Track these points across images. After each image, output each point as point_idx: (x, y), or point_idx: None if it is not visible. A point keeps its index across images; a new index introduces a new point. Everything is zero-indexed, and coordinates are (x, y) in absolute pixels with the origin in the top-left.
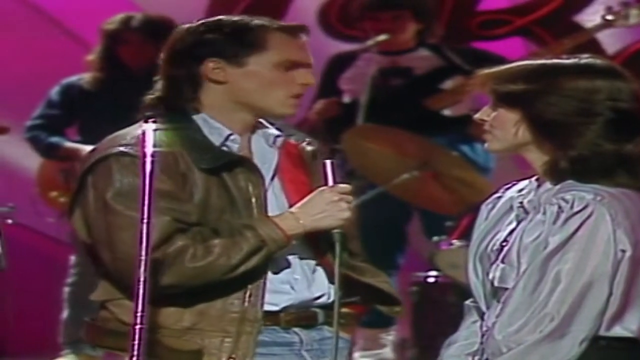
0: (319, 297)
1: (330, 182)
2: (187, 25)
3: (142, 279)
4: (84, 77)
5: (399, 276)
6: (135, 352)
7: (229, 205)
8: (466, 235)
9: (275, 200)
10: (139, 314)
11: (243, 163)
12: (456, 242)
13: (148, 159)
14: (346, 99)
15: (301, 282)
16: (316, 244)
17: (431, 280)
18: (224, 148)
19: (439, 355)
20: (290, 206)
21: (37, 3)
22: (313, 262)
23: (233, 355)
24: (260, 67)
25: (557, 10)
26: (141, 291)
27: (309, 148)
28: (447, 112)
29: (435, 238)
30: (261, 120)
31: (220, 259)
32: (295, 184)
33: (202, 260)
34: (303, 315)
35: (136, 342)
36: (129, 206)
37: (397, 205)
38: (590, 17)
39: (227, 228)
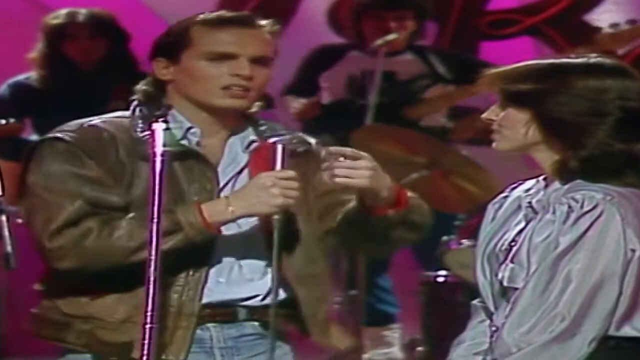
0: (248, 299)
1: (278, 167)
2: None
3: (152, 278)
4: (32, 76)
5: (408, 276)
6: (145, 352)
7: (176, 198)
8: (475, 234)
9: None
10: (149, 313)
11: (195, 156)
12: (465, 242)
13: (158, 158)
14: (325, 97)
15: (224, 285)
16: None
17: (440, 279)
18: (184, 141)
19: (448, 355)
20: None
21: (44, 2)
22: (259, 264)
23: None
24: (190, 62)
25: (567, 9)
26: (151, 290)
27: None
28: (423, 122)
29: (444, 237)
30: (253, 121)
31: (120, 240)
32: None
33: (103, 241)
34: (219, 312)
35: (146, 341)
36: (47, 188)
37: None
38: (599, 17)
39: None
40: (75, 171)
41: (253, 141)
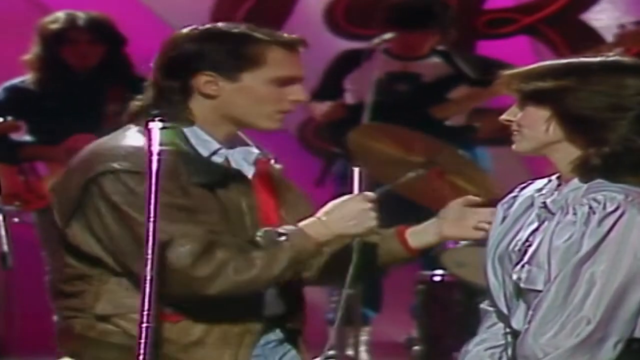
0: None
1: (356, 190)
2: (185, 31)
3: (148, 277)
4: (27, 79)
5: (406, 274)
6: (142, 351)
7: (221, 218)
8: None
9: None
10: (145, 313)
11: (235, 176)
12: (462, 241)
13: (154, 158)
14: (349, 99)
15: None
16: None
17: (437, 278)
18: (214, 158)
19: (445, 354)
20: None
21: (47, 4)
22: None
23: None
24: (254, 83)
25: (564, 8)
26: (147, 290)
27: (277, 166)
28: (448, 122)
29: None
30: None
31: (263, 271)
32: (265, 200)
33: (247, 274)
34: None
35: (142, 340)
36: (166, 217)
37: (399, 204)
38: (596, 16)
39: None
40: (176, 202)
41: (259, 154)
